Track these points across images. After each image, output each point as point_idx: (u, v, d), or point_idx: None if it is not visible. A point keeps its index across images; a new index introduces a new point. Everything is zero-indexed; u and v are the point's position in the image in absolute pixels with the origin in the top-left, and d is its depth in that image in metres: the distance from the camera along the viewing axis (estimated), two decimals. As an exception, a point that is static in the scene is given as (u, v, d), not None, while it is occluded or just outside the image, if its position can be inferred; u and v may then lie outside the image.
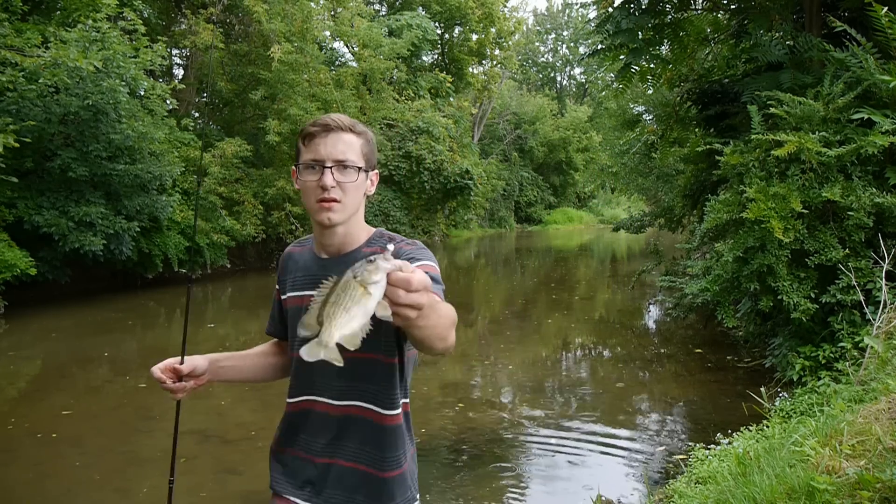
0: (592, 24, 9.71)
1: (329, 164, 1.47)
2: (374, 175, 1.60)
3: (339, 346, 1.11)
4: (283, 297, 1.67)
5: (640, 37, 7.52)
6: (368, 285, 1.04)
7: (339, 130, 1.51)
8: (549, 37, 51.43)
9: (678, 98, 8.64)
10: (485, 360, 8.05)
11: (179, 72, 22.30)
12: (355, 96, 20.20)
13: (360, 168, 1.51)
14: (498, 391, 6.74)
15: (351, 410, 1.52)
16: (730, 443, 4.17)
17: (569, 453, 4.83)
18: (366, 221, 1.59)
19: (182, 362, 1.60)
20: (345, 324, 1.08)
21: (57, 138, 11.94)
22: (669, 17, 7.93)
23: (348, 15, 20.94)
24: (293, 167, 1.57)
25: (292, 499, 1.56)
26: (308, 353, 1.14)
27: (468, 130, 29.87)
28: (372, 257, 1.05)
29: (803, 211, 5.12)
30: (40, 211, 11.50)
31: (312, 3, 19.27)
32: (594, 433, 5.21)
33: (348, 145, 1.50)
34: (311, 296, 1.16)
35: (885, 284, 4.80)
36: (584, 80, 47.49)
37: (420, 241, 1.71)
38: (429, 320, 1.12)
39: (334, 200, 1.47)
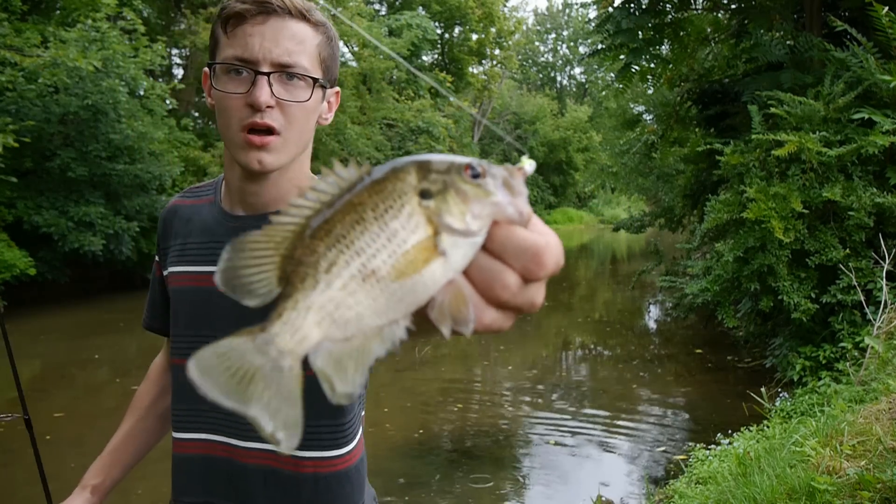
0: (592, 24, 9.70)
1: (266, 70, 0.92)
2: (334, 94, 1.04)
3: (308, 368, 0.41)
4: (164, 272, 1.11)
5: (640, 37, 7.52)
6: (444, 231, 0.39)
7: (286, 15, 0.94)
8: (549, 36, 51.43)
9: (678, 98, 8.63)
10: (484, 360, 8.05)
11: (179, 72, 22.30)
12: (355, 96, 20.21)
13: (315, 81, 0.95)
14: (498, 391, 6.73)
15: (266, 460, 0.97)
16: (730, 443, 4.16)
17: (569, 453, 4.82)
18: None
19: None
20: (349, 297, 0.40)
21: (56, 138, 11.93)
22: (669, 16, 7.92)
23: (348, 15, 20.95)
24: (205, 68, 0.98)
25: None
26: (203, 359, 0.42)
27: (468, 130, 29.87)
28: (477, 164, 0.40)
29: (804, 211, 5.11)
30: (40, 211, 11.50)
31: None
32: (594, 433, 5.20)
33: (299, 42, 0.94)
34: (213, 274, 0.44)
35: (886, 284, 4.80)
36: (584, 80, 47.49)
37: None
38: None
39: (271, 131, 0.93)
